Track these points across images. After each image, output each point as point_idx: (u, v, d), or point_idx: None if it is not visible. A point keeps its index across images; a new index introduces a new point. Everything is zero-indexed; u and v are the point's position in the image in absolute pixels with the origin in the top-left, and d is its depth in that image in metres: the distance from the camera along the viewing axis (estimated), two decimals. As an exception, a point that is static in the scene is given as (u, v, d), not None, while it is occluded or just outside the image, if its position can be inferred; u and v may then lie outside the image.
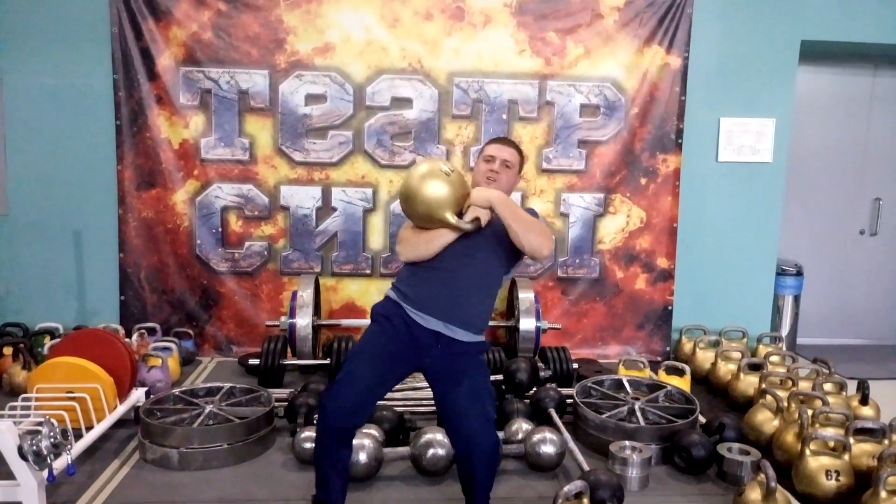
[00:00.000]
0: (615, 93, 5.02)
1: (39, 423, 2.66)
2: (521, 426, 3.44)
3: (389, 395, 3.98)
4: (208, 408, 3.50)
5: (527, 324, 4.60)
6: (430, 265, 2.54)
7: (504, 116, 5.01)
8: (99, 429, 3.23)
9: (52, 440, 2.60)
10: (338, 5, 4.83)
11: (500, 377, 4.06)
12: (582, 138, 5.07)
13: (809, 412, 3.33)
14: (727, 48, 5.09)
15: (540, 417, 3.67)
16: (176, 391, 3.71)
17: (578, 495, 2.55)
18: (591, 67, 4.99)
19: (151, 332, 4.71)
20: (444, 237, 2.51)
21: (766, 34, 5.08)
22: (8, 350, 4.27)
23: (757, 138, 5.18)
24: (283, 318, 4.62)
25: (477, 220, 2.49)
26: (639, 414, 3.60)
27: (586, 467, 3.06)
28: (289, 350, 4.53)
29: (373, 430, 3.26)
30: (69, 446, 2.68)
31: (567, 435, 3.38)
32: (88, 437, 3.12)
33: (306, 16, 4.82)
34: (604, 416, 3.54)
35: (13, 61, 4.76)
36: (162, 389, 3.91)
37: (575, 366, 4.45)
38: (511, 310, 5.01)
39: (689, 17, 4.97)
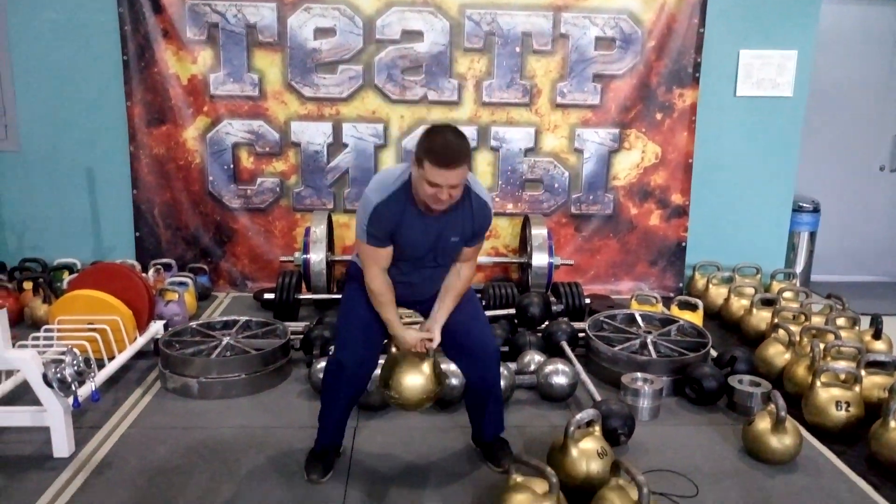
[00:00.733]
0: (631, 25, 4.88)
1: (62, 353, 2.72)
2: (534, 358, 3.49)
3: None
4: (225, 340, 3.56)
5: (539, 259, 4.60)
6: (392, 276, 2.48)
7: (517, 49, 4.89)
8: (120, 359, 3.30)
9: (75, 368, 2.66)
10: (347, -67, 4.69)
11: (512, 311, 4.10)
12: (597, 72, 4.95)
13: (821, 345, 3.35)
14: (749, -24, 4.91)
15: (552, 350, 3.71)
16: (193, 324, 3.77)
17: (590, 423, 2.60)
18: (606, -2, 4.85)
19: (167, 267, 4.76)
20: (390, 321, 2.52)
21: (790, -39, 4.90)
22: (28, 285, 4.33)
23: (777, 71, 5.04)
24: (296, 254, 4.65)
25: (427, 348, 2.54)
26: (651, 347, 3.63)
27: (598, 398, 3.11)
28: (303, 285, 4.58)
29: (387, 362, 3.31)
30: (92, 374, 2.75)
31: (579, 366, 3.42)
32: (110, 367, 3.19)
33: (314, -56, 4.68)
34: (616, 348, 3.57)
35: (17, -5, 4.69)
36: (179, 323, 3.98)
37: (587, 301, 4.47)
38: (524, 246, 5.01)
39: (710, -57, 4.79)
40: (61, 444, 2.71)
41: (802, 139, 5.23)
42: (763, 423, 2.80)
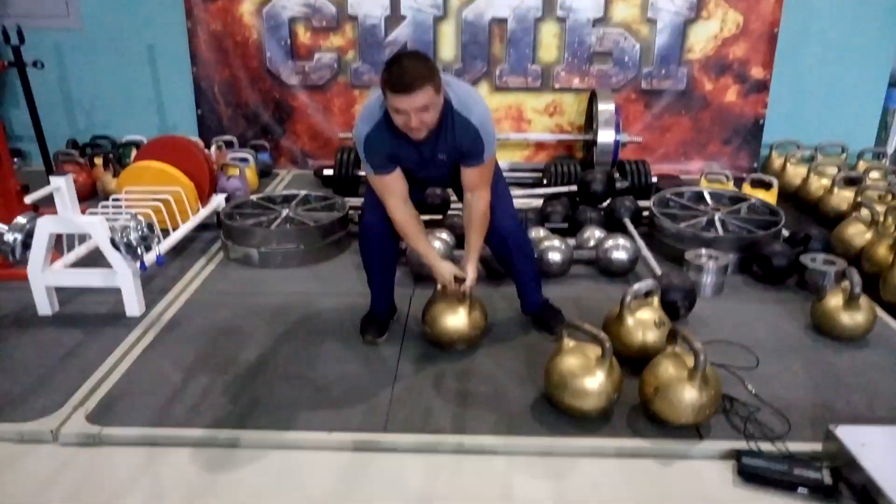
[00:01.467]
0: None
1: (128, 219, 2.80)
2: (594, 234, 3.39)
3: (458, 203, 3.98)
4: (285, 212, 3.60)
5: (605, 136, 4.40)
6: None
7: None
8: (184, 228, 3.39)
9: (139, 233, 2.75)
10: None
11: (574, 188, 3.97)
12: (677, -72, 4.51)
13: (907, 224, 3.12)
14: None
15: (613, 227, 3.60)
16: (254, 197, 3.82)
17: (648, 294, 2.53)
18: None
19: (229, 144, 4.80)
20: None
21: None
22: (99, 160, 4.46)
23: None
24: (355, 131, 4.59)
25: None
26: (718, 224, 3.47)
27: (658, 271, 3.01)
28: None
29: (444, 235, 3.28)
30: (156, 239, 2.83)
31: (641, 242, 3.32)
32: (175, 236, 3.29)
33: None
34: (681, 225, 3.43)
35: None
36: (241, 197, 4.04)
37: (654, 180, 4.29)
38: (590, 123, 4.80)
39: None
40: (132, 304, 2.85)
41: (907, 3, 4.70)
42: (835, 300, 2.67)
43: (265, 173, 4.86)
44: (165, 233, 3.26)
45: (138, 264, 2.82)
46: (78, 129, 5.15)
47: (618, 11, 4.71)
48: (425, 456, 2.05)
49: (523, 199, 4.00)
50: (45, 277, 2.82)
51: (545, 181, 4.33)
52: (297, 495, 1.90)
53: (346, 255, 3.51)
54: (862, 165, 4.52)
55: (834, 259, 3.13)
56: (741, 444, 2.05)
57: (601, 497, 1.90)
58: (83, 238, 3.08)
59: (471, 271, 2.50)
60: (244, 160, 4.45)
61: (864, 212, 3.44)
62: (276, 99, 4.98)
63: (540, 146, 5.05)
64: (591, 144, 4.64)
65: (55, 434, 2.12)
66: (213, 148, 4.46)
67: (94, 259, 2.93)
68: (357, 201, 3.96)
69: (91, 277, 2.85)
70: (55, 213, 2.75)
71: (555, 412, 2.19)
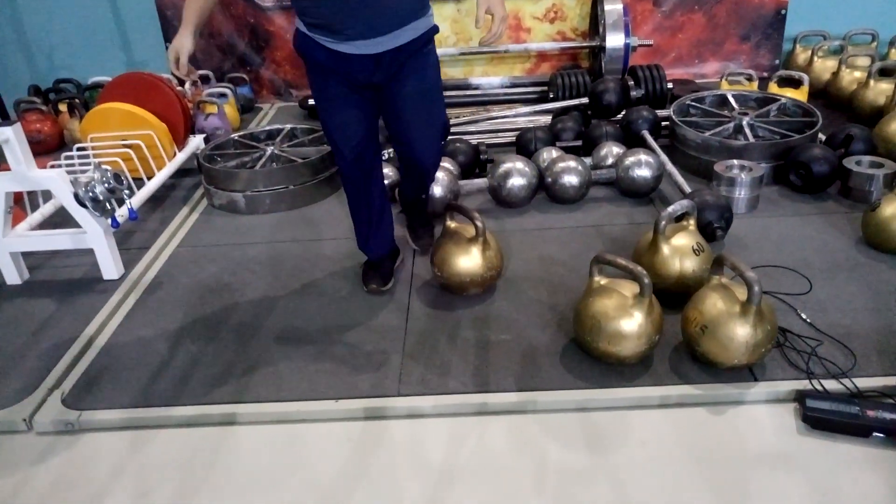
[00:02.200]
0: None
1: (91, 171, 2.49)
2: (612, 150, 3.07)
3: (464, 127, 3.66)
4: (269, 150, 3.27)
5: (614, 41, 4.00)
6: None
7: None
8: (160, 176, 3.07)
9: (105, 185, 2.43)
10: None
11: (584, 101, 3.62)
12: None
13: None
14: None
15: (631, 141, 3.27)
16: (235, 136, 3.48)
17: (683, 217, 2.24)
18: None
19: (205, 80, 4.41)
20: None
21: None
22: (63, 106, 4.10)
23: None
24: (339, 55, 4.19)
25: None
26: (747, 130, 3.14)
27: (688, 189, 2.71)
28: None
29: (447, 164, 2.97)
30: (125, 191, 2.51)
31: (664, 156, 3.00)
32: (151, 185, 2.97)
33: None
34: (706, 134, 3.10)
35: None
36: (221, 137, 3.69)
37: (669, 86, 3.91)
38: (595, 27, 4.38)
39: None
40: (108, 266, 2.57)
41: None
42: (890, 208, 2.38)
43: (247, 108, 4.49)
44: (140, 182, 2.96)
45: (109, 221, 2.52)
46: (39, 73, 4.74)
47: None
48: (446, 421, 1.82)
49: (529, 117, 3.66)
50: (8, 243, 2.53)
51: (552, 95, 3.96)
52: (305, 474, 1.68)
53: (341, 194, 3.20)
54: (894, 54, 4.14)
55: (881, 160, 2.82)
56: (802, 384, 1.81)
57: (650, 455, 1.67)
58: (49, 196, 2.77)
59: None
60: (222, 96, 4.08)
61: (909, 105, 3.11)
62: (251, 24, 4.54)
63: (542, 57, 4.64)
64: (597, 51, 4.24)
65: (29, 422, 1.88)
66: (187, 84, 4.08)
67: (67, 218, 2.63)
68: (348, 132, 3.63)
69: (59, 239, 2.56)
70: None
71: (587, 360, 1.95)
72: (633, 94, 3.60)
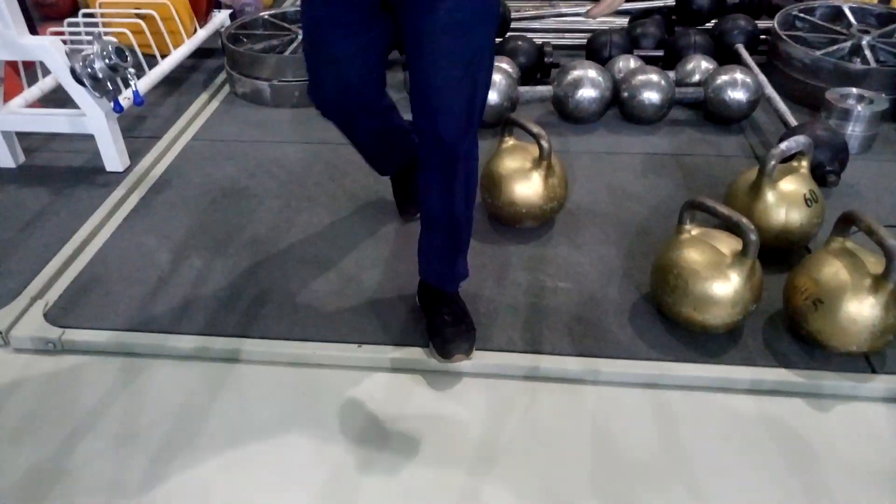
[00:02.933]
0: None
1: (90, 42, 2.12)
2: (700, 65, 2.60)
3: (526, 24, 3.19)
4: (301, 34, 2.85)
5: (710, -68, 3.40)
6: None
7: None
8: (176, 55, 2.69)
9: (106, 61, 2.07)
10: None
11: (669, 3, 3.10)
12: None
13: None
14: None
15: (723, 55, 2.79)
16: (265, 14, 3.06)
17: (795, 156, 1.82)
18: None
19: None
20: None
21: None
22: (79, -34, 3.66)
23: None
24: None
25: None
26: (867, 52, 2.64)
27: (792, 121, 2.27)
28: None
29: (504, 64, 2.54)
30: (130, 69, 2.15)
31: (763, 77, 2.53)
32: (165, 65, 2.60)
33: None
34: (817, 53, 2.60)
35: None
36: (250, 15, 3.26)
37: (770, -8, 3.35)
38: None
39: None
40: (111, 157, 2.25)
41: None
42: None
43: (282, -17, 4.02)
44: (153, 61, 2.58)
45: (112, 104, 2.18)
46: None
47: None
48: (487, 383, 1.51)
49: (604, 18, 3.15)
50: (-2, 119, 2.21)
51: (629, -6, 3.43)
52: (317, 431, 1.40)
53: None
54: None
55: None
56: (933, 382, 1.46)
57: (733, 451, 1.35)
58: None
59: None
60: (254, -35, 3.61)
61: None
62: None
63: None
64: (688, -56, 3.64)
65: (5, 336, 1.63)
66: (215, -50, 3.60)
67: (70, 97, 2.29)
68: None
69: (56, 120, 2.23)
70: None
71: (663, 325, 1.61)
72: (730, -2, 3.07)
